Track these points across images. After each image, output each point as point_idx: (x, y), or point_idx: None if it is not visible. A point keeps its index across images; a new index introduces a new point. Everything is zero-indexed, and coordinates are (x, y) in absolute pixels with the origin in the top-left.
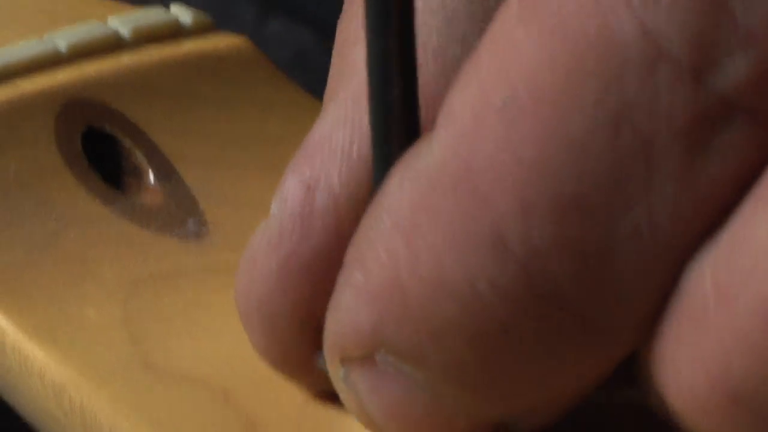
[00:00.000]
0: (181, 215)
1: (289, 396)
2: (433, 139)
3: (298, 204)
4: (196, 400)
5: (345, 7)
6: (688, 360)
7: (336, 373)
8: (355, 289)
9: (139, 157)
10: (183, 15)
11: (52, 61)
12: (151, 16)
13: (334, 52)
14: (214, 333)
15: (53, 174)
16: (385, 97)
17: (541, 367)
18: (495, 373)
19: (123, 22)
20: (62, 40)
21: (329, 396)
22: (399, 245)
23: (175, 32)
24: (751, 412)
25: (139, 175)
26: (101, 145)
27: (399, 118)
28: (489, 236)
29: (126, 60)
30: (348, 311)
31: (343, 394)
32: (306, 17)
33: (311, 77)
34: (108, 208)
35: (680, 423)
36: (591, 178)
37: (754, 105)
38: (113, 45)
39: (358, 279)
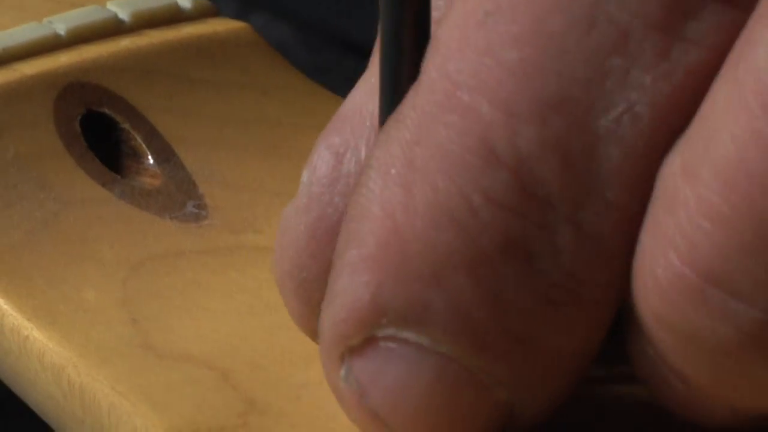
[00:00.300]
0: (181, 197)
1: (288, 376)
2: (426, 71)
3: (326, 170)
4: (195, 380)
5: None
6: (661, 245)
7: (336, 375)
8: (350, 266)
9: (138, 139)
10: None
11: (52, 44)
12: (151, 0)
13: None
14: (214, 314)
15: (52, 156)
16: (397, 44)
17: (540, 300)
18: (497, 313)
19: (122, 6)
20: (62, 23)
21: None
22: (392, 190)
23: (174, 16)
24: (721, 287)
25: (138, 157)
26: (100, 128)
27: (410, 66)
28: (478, 148)
29: (125, 43)
30: (345, 292)
31: (342, 396)
32: (285, 12)
33: None
34: (107, 190)
35: (654, 327)
36: (570, 75)
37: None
38: (113, 29)
39: (352, 255)
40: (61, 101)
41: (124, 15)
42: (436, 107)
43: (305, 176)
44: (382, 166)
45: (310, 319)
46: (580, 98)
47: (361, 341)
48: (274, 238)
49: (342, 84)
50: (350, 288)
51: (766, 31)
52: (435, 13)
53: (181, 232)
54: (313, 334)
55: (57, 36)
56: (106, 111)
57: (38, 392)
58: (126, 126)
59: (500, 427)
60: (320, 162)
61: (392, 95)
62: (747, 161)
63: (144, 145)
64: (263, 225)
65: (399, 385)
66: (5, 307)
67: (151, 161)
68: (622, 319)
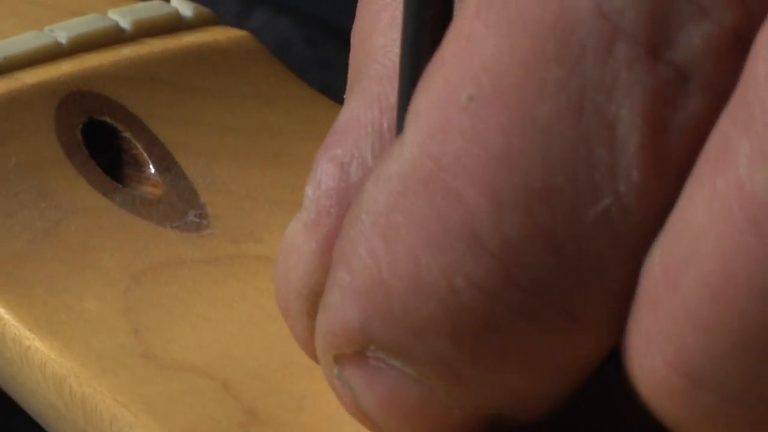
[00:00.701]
0: (182, 207)
1: (289, 386)
2: (404, 141)
3: (333, 182)
4: (196, 390)
5: (359, 8)
6: (647, 346)
7: (330, 371)
8: (342, 289)
9: (140, 148)
10: (184, 8)
11: (53, 53)
12: (152, 8)
13: (353, 47)
14: (215, 323)
15: (54, 165)
16: (418, 44)
17: (525, 361)
18: (481, 367)
19: (124, 15)
20: (63, 32)
21: (329, 387)
22: (378, 245)
23: (175, 25)
24: (710, 390)
25: (139, 166)
26: (102, 136)
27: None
28: (463, 232)
29: (126, 52)
30: (336, 310)
31: (338, 392)
32: (288, 8)
33: (294, 66)
34: (108, 199)
35: (654, 410)
36: (558, 165)
37: (709, 77)
38: (114, 37)
39: (344, 278)
40: (62, 110)
41: (125, 24)
42: (420, 185)
43: (310, 191)
44: (371, 211)
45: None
46: (567, 188)
47: (351, 353)
48: (275, 247)
49: (343, 77)
50: (342, 308)
51: (744, 139)
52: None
53: (182, 241)
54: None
55: (58, 45)
56: (108, 120)
57: (40, 402)
58: (127, 135)
59: (492, 428)
60: (325, 176)
61: (412, 87)
62: (735, 275)
63: (145, 154)
64: (264, 234)
65: (388, 397)
66: (6, 317)
67: (153, 170)
68: None
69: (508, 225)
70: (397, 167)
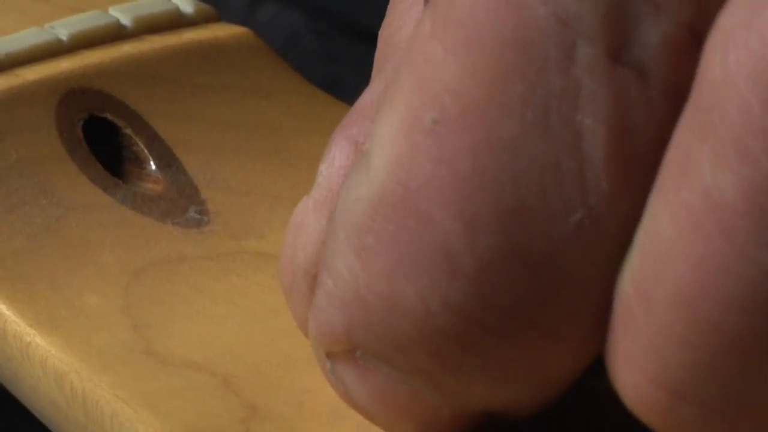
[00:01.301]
0: (183, 203)
1: (290, 382)
2: (370, 164)
3: (346, 160)
4: (197, 386)
5: (390, 6)
6: (626, 362)
7: (323, 365)
8: (327, 294)
9: (140, 144)
10: (184, 4)
11: (54, 50)
12: (153, 5)
13: (380, 41)
14: (216, 319)
15: (54, 161)
16: None
17: (504, 375)
18: (461, 379)
19: (124, 12)
20: (63, 29)
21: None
22: (354, 262)
23: (176, 21)
24: (692, 403)
25: (140, 162)
26: (102, 133)
27: None
28: (436, 255)
29: (127, 49)
30: (323, 313)
31: (332, 384)
32: (297, 1)
33: (304, 59)
34: (109, 196)
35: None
36: (528, 181)
37: (669, 78)
38: (114, 34)
39: (329, 285)
40: (63, 106)
41: (125, 20)
42: (389, 210)
43: (323, 169)
44: (345, 228)
45: None
46: (538, 205)
47: (341, 351)
48: (276, 243)
49: (352, 70)
50: (327, 314)
51: (704, 146)
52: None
53: (183, 237)
54: None
55: (59, 41)
56: (108, 116)
57: (41, 398)
58: (128, 131)
59: (485, 422)
60: (339, 153)
61: None
62: (708, 285)
63: (146, 151)
64: (265, 230)
65: (378, 393)
66: (7, 313)
67: (153, 166)
68: None
69: (482, 246)
70: (365, 191)
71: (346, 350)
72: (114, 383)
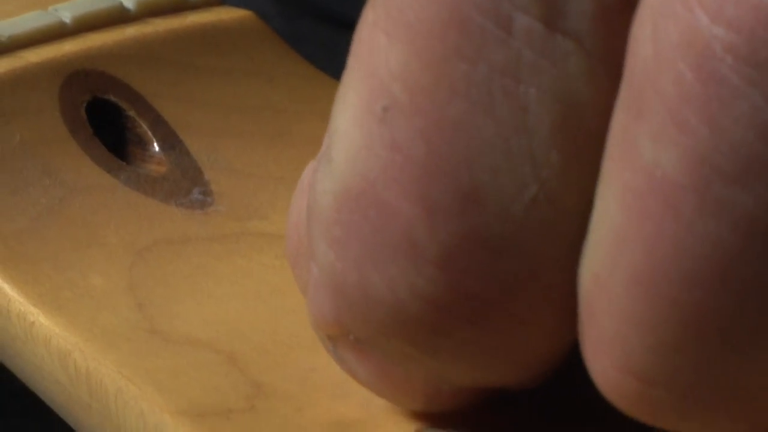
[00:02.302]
0: (186, 184)
1: (295, 360)
2: (331, 158)
3: None
4: (201, 363)
5: None
6: (595, 351)
7: (325, 345)
8: (315, 281)
9: (144, 126)
10: None
11: (57, 32)
12: None
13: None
14: (220, 299)
15: (58, 143)
16: None
17: (482, 358)
18: (444, 362)
19: None
20: (67, 11)
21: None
22: (329, 253)
23: (179, 4)
24: (663, 388)
25: (143, 144)
26: (106, 115)
27: None
28: (401, 244)
29: (131, 31)
30: (315, 299)
31: (336, 362)
32: None
33: None
34: (113, 177)
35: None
36: (480, 161)
37: (606, 46)
38: (118, 17)
39: (315, 272)
40: (66, 88)
41: (129, 3)
42: (352, 201)
43: (328, 138)
44: (318, 220)
45: None
46: (492, 184)
47: (338, 335)
48: (279, 224)
49: (318, 51)
50: (318, 300)
51: (641, 124)
52: None
53: (186, 218)
54: None
55: (62, 24)
56: (112, 98)
57: (44, 378)
58: (131, 113)
59: (489, 394)
60: None
61: None
62: (661, 266)
63: (149, 133)
64: (269, 211)
65: (378, 372)
66: (11, 293)
67: (157, 148)
68: None
69: (443, 231)
70: (329, 184)
71: (342, 334)
72: (118, 361)
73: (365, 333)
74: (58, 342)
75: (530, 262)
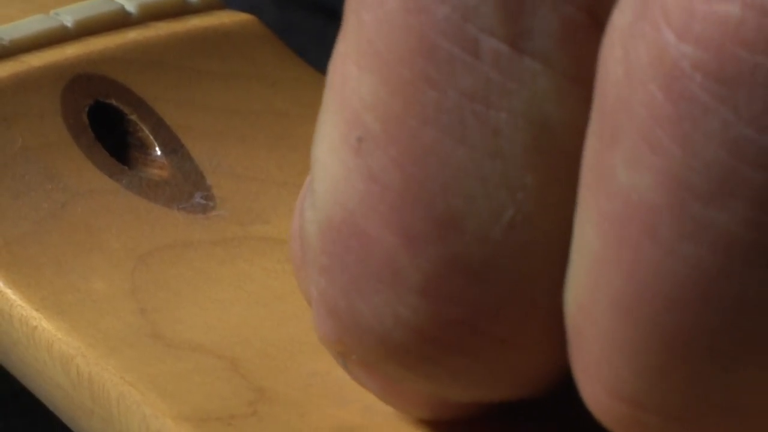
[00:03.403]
0: (188, 189)
1: (297, 365)
2: (314, 189)
3: None
4: (204, 369)
5: None
6: (585, 376)
7: (336, 360)
8: (315, 303)
9: (146, 131)
10: None
11: (59, 36)
12: None
13: None
14: (222, 303)
15: (60, 147)
16: None
17: (474, 382)
18: (437, 385)
19: None
20: (69, 15)
21: (336, 366)
22: (321, 280)
23: (181, 8)
24: (653, 412)
25: (145, 149)
26: (107, 119)
27: None
28: (383, 272)
29: (132, 35)
30: (317, 319)
31: (345, 371)
32: None
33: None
34: (115, 181)
35: None
36: (455, 186)
37: (575, 66)
38: (120, 21)
39: (315, 294)
40: (68, 93)
41: (131, 7)
42: (334, 232)
43: None
44: (308, 247)
45: None
46: (469, 209)
47: (342, 351)
48: (282, 228)
49: (312, 42)
50: (320, 320)
51: (615, 150)
52: None
53: (188, 222)
54: None
55: (64, 28)
56: (114, 102)
57: (47, 383)
58: (133, 117)
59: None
60: None
61: None
62: (641, 291)
63: (151, 137)
64: (271, 216)
65: (386, 386)
66: (13, 297)
67: (159, 153)
68: None
69: (424, 259)
70: (314, 215)
71: (346, 352)
72: (120, 366)
73: (363, 356)
74: (60, 347)
75: (512, 285)
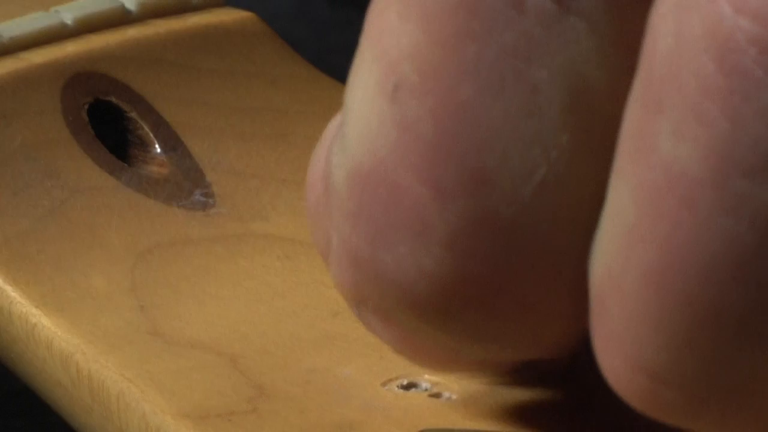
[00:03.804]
0: (188, 186)
1: (297, 361)
2: (345, 134)
3: None
4: (204, 366)
5: None
6: (606, 347)
7: (352, 309)
8: (335, 249)
9: (146, 128)
10: None
11: (59, 34)
12: None
13: None
14: (222, 300)
15: (59, 145)
16: None
17: (492, 339)
18: (455, 341)
19: None
20: (69, 13)
21: (336, 362)
22: (345, 226)
23: (181, 6)
24: (675, 387)
25: (145, 146)
26: (107, 117)
27: None
28: (410, 223)
29: (132, 33)
30: (334, 267)
31: (359, 319)
32: None
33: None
34: (115, 179)
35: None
36: (489, 141)
37: (620, 28)
38: (120, 18)
39: (335, 240)
40: (68, 90)
41: (131, 5)
42: (363, 179)
43: None
44: (333, 192)
45: None
46: (502, 166)
47: (358, 300)
48: (282, 225)
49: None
50: (338, 268)
51: (660, 119)
52: None
53: (188, 219)
54: None
55: (64, 25)
56: (113, 100)
57: (46, 380)
58: (133, 115)
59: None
60: None
61: None
62: (676, 263)
63: (151, 134)
64: (271, 213)
65: (402, 338)
66: (13, 294)
67: (158, 150)
68: None
69: (452, 212)
70: (342, 159)
71: (362, 301)
72: (120, 363)
73: (381, 305)
74: (60, 344)
75: (538, 246)
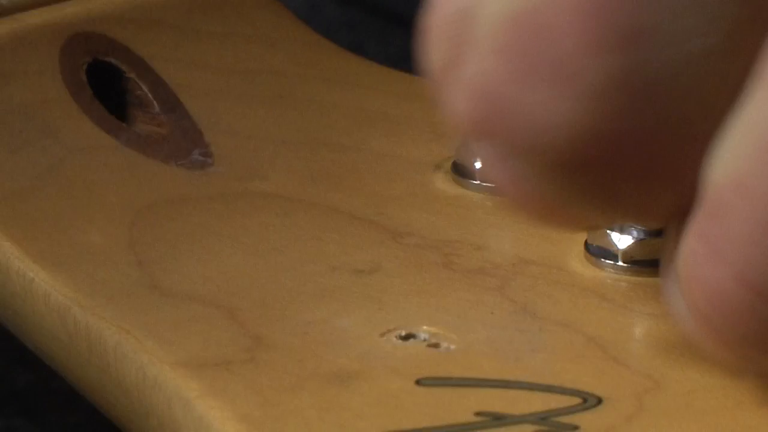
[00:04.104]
0: (187, 145)
1: (294, 314)
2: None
3: None
4: (202, 317)
5: None
6: (709, 254)
7: (469, 137)
8: (466, 79)
9: (144, 89)
10: None
11: None
12: None
13: None
14: (219, 255)
15: (58, 104)
16: None
17: (609, 200)
18: (572, 193)
19: None
20: None
21: (334, 314)
22: (488, 58)
23: None
24: None
25: (143, 107)
26: (106, 77)
27: None
28: (560, 69)
29: None
30: (458, 96)
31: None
32: None
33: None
34: (113, 138)
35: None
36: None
37: None
38: None
39: (470, 72)
40: (66, 51)
41: None
42: (521, 19)
43: None
44: (485, 23)
45: None
46: (659, 26)
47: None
48: (280, 184)
49: (372, 38)
50: (466, 97)
51: None
52: None
53: (187, 178)
54: None
55: None
56: (112, 60)
57: (44, 335)
58: (132, 76)
59: None
60: None
61: None
62: None
63: (150, 95)
64: (269, 172)
65: (511, 182)
66: (11, 250)
67: (157, 110)
68: None
69: (602, 64)
70: (499, 6)
71: (482, 136)
72: (118, 315)
73: (506, 144)
74: (57, 298)
75: (675, 116)
